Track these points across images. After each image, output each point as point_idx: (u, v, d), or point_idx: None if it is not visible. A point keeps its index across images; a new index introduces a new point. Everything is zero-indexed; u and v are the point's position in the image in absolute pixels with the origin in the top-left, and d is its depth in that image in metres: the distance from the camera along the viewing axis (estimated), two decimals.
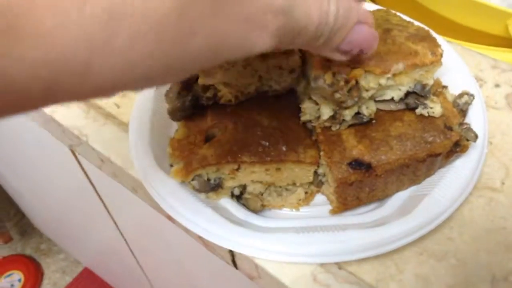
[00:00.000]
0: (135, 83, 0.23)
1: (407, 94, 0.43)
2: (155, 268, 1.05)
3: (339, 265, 0.41)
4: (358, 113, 0.43)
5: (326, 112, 0.42)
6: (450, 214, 0.42)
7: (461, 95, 0.46)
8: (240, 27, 0.24)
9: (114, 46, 0.20)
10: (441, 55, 0.42)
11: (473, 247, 0.42)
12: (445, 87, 0.46)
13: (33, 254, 1.74)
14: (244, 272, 0.44)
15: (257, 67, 0.44)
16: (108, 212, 0.91)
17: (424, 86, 0.43)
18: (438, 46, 0.42)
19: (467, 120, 0.46)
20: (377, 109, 0.44)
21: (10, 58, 0.19)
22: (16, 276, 1.63)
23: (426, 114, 0.43)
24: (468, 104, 0.46)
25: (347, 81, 0.41)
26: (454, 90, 0.48)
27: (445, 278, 0.40)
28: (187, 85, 0.46)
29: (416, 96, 0.43)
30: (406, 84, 0.42)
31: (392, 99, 0.44)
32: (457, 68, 0.50)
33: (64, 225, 1.36)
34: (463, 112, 0.46)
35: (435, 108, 0.43)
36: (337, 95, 0.41)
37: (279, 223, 0.43)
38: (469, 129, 0.43)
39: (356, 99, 0.41)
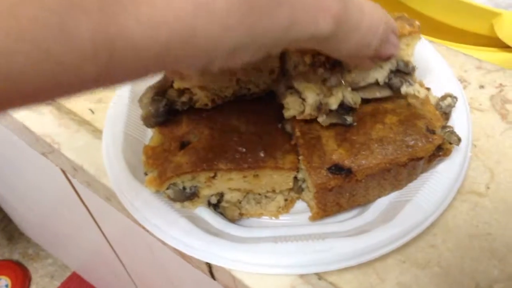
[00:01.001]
0: (225, 53, 0.25)
1: (391, 76, 0.42)
2: (141, 273, 1.04)
3: (319, 276, 0.39)
4: (343, 107, 0.42)
5: (311, 97, 0.40)
6: (433, 221, 0.41)
7: (444, 97, 0.45)
8: (311, 4, 0.27)
9: (215, 11, 0.23)
10: (419, 27, 0.41)
11: (457, 254, 0.41)
12: (428, 89, 0.45)
13: (20, 259, 1.72)
14: (221, 283, 0.43)
15: (235, 69, 0.43)
16: (93, 217, 0.89)
17: (406, 63, 0.41)
18: (414, 20, 0.42)
19: (450, 122, 0.45)
20: (361, 104, 0.42)
21: (129, 15, 0.20)
22: (4, 282, 1.61)
23: (412, 92, 0.42)
24: (451, 106, 0.45)
25: (328, 58, 0.39)
26: (437, 92, 0.47)
27: (428, 286, 0.39)
28: (161, 90, 0.45)
29: (401, 74, 0.42)
30: (390, 61, 0.41)
31: (377, 82, 0.42)
32: (440, 69, 0.49)
33: (51, 230, 1.34)
34: (446, 115, 0.45)
35: (417, 86, 0.42)
36: (320, 71, 0.39)
37: (257, 232, 0.41)
38: (452, 133, 0.42)
39: (339, 76, 0.40)
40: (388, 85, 0.42)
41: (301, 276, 0.39)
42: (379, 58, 0.37)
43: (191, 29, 0.22)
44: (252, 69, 0.43)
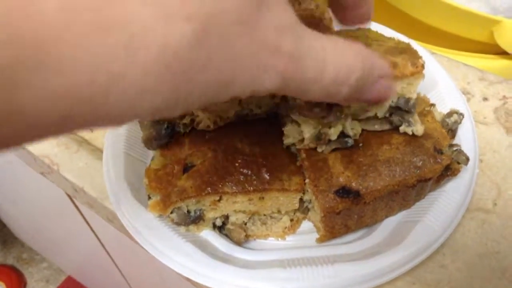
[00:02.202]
0: (145, 114, 0.23)
1: (392, 112, 0.41)
2: (137, 277, 1.03)
3: None
4: (343, 135, 0.41)
5: (308, 130, 0.40)
6: (443, 241, 0.40)
7: (450, 114, 0.44)
8: (250, 62, 0.24)
9: (131, 76, 0.21)
10: (422, 66, 0.40)
11: (466, 274, 0.40)
12: (433, 105, 0.45)
13: (15, 264, 1.71)
14: None
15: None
16: (88, 224, 0.88)
17: (407, 100, 0.41)
18: (419, 57, 0.40)
19: (456, 140, 0.45)
20: (363, 130, 0.42)
21: (29, 88, 0.19)
22: None
23: (410, 133, 0.41)
24: (457, 123, 0.44)
25: None
26: (442, 107, 0.46)
27: None
28: None
29: (401, 112, 0.41)
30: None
31: (376, 116, 0.42)
32: (444, 83, 0.48)
33: (46, 234, 1.33)
34: (452, 132, 0.44)
35: (417, 125, 0.41)
36: (316, 110, 0.39)
37: (265, 255, 0.41)
38: (460, 152, 0.41)
39: (338, 114, 0.39)
40: (388, 120, 0.42)
41: None
42: (362, 101, 0.33)
43: (102, 97, 0.20)
44: None
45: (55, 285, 1.66)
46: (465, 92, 0.52)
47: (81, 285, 1.64)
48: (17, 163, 0.83)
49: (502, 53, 0.64)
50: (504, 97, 0.51)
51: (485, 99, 0.51)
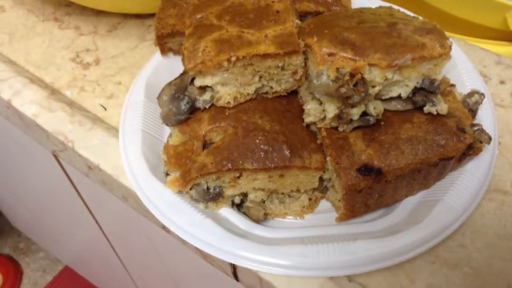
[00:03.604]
0: None
1: (415, 91, 0.41)
2: (139, 267, 1.02)
3: (349, 278, 0.39)
4: (365, 114, 0.41)
5: (331, 110, 0.40)
6: (463, 220, 0.40)
7: (471, 94, 0.44)
8: None
9: None
10: (450, 48, 0.40)
11: (486, 254, 0.40)
12: (453, 85, 0.44)
13: (11, 254, 1.69)
14: (245, 284, 0.42)
15: (258, 67, 0.41)
16: (87, 207, 0.87)
17: (432, 81, 0.40)
18: (447, 38, 0.40)
19: (476, 120, 0.44)
20: (385, 110, 0.42)
21: None
22: None
23: (435, 112, 0.41)
24: (478, 103, 0.44)
25: (352, 75, 0.38)
26: (461, 88, 0.46)
27: (459, 287, 0.38)
28: (182, 88, 0.43)
29: (424, 93, 0.41)
30: (413, 79, 0.40)
31: (399, 96, 0.41)
32: (463, 65, 0.48)
33: (43, 223, 1.32)
34: (473, 112, 0.44)
35: (441, 105, 0.40)
36: (343, 90, 0.39)
37: (284, 233, 0.40)
38: (483, 131, 0.41)
39: (362, 94, 0.39)
40: (411, 100, 0.41)
41: (331, 278, 0.39)
42: None
43: None
44: (275, 67, 0.41)
45: (51, 275, 1.65)
46: (482, 75, 0.52)
47: (78, 274, 1.63)
48: (17, 149, 0.83)
49: None
50: None
51: (502, 82, 0.51)
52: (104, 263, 1.23)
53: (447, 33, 0.63)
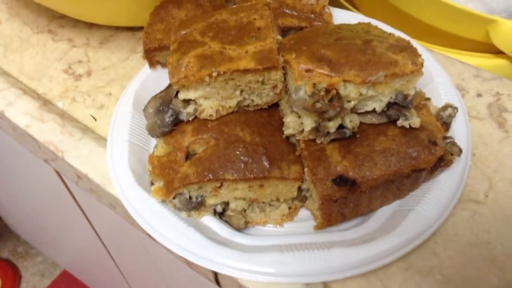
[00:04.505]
0: None
1: (389, 105, 0.43)
2: (133, 270, 1.04)
3: (325, 284, 0.40)
4: (341, 127, 0.43)
5: (308, 123, 0.42)
6: (435, 229, 0.42)
7: (444, 108, 0.46)
8: None
9: None
10: (422, 65, 0.41)
11: (458, 262, 0.42)
12: (428, 99, 0.46)
13: (10, 258, 1.71)
14: None
15: (239, 81, 0.43)
16: (84, 213, 0.89)
17: (405, 96, 0.42)
18: (419, 56, 0.42)
19: (450, 132, 0.46)
20: (360, 123, 0.43)
21: None
22: None
23: (407, 126, 0.42)
24: (452, 117, 0.46)
25: (327, 91, 0.40)
26: (437, 101, 0.48)
27: None
28: (166, 100, 0.45)
29: (398, 107, 0.43)
30: (387, 94, 0.42)
31: (374, 110, 0.43)
32: (440, 79, 0.50)
33: (41, 227, 1.33)
34: (447, 125, 0.46)
35: (414, 119, 0.42)
36: (318, 105, 0.40)
37: (264, 241, 0.42)
38: (454, 144, 0.42)
39: (338, 109, 0.41)
40: (386, 114, 0.43)
41: (307, 284, 0.40)
42: None
43: None
44: (255, 81, 0.43)
45: (50, 279, 1.66)
46: (459, 88, 0.53)
47: (76, 279, 1.64)
48: (14, 154, 0.84)
49: (498, 52, 0.65)
50: (498, 93, 0.53)
51: (479, 95, 0.53)
52: (100, 267, 1.24)
53: (428, 45, 0.64)
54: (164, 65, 0.54)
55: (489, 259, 0.42)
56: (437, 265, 0.42)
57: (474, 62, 0.64)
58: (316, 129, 0.43)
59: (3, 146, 0.88)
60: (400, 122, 0.43)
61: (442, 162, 0.43)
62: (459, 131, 0.46)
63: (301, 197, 0.45)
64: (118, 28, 0.64)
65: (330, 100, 0.41)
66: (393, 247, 0.40)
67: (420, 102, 0.45)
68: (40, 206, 1.13)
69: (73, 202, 0.85)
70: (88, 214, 0.89)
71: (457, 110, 0.46)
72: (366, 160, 0.42)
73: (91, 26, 0.65)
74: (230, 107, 0.45)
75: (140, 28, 0.63)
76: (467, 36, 0.66)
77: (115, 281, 1.23)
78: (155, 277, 0.91)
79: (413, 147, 0.42)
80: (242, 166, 0.42)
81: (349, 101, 0.42)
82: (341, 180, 0.41)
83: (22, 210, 1.30)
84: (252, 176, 0.42)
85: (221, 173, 0.42)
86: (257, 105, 0.46)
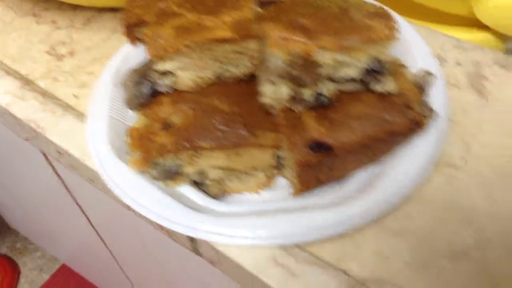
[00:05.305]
0: None
1: (365, 72, 0.43)
2: (131, 262, 1.04)
3: (300, 247, 0.41)
4: (318, 95, 0.43)
5: (285, 91, 0.42)
6: (409, 193, 0.42)
7: (421, 74, 0.46)
8: None
9: None
10: (397, 30, 0.42)
11: (433, 224, 0.42)
12: (404, 66, 0.46)
13: (9, 253, 1.71)
14: (206, 258, 0.44)
15: (216, 52, 0.43)
16: (80, 207, 0.89)
17: (381, 62, 0.42)
18: (393, 21, 0.42)
19: (427, 99, 0.46)
20: (337, 90, 0.43)
21: None
22: None
23: (383, 91, 0.43)
24: (428, 83, 0.46)
25: (303, 58, 0.40)
26: (415, 69, 0.48)
27: (404, 255, 0.40)
28: (145, 73, 0.45)
29: (374, 73, 0.43)
30: (362, 60, 0.42)
31: (350, 77, 0.43)
32: (418, 48, 0.50)
33: (39, 222, 1.34)
34: (423, 91, 0.46)
35: (390, 84, 0.42)
36: (295, 72, 0.41)
37: (240, 207, 0.42)
38: (428, 108, 0.43)
39: (314, 76, 0.41)
40: (362, 81, 0.43)
41: (283, 247, 0.40)
42: None
43: None
44: (232, 52, 0.43)
45: (49, 273, 1.67)
46: (439, 58, 0.53)
47: (76, 273, 1.65)
48: (9, 149, 0.85)
49: (481, 26, 0.65)
50: (478, 62, 0.53)
51: (458, 64, 0.53)
52: (99, 260, 1.25)
53: (410, 20, 0.64)
54: (143, 41, 0.54)
55: (465, 222, 0.42)
56: (412, 228, 0.42)
57: (457, 36, 0.64)
58: (293, 97, 0.43)
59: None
60: (376, 88, 0.43)
61: (417, 126, 0.43)
62: (435, 97, 0.46)
63: (278, 165, 0.45)
64: (101, 10, 0.64)
65: (306, 68, 0.41)
66: (368, 210, 0.41)
67: (397, 69, 0.46)
68: (37, 201, 1.14)
69: (69, 195, 0.86)
70: (83, 206, 0.89)
71: (433, 76, 0.46)
72: (342, 125, 0.42)
73: (75, 8, 0.65)
74: (208, 78, 0.45)
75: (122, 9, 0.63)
76: (451, 11, 0.66)
77: (113, 273, 1.24)
78: (154, 268, 0.92)
79: (388, 112, 0.42)
80: (219, 135, 0.42)
81: (325, 68, 0.42)
82: (317, 146, 0.41)
83: (20, 206, 1.31)
84: (228, 143, 0.42)
85: (197, 141, 0.42)
86: (235, 76, 0.46)
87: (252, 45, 0.43)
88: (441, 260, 0.40)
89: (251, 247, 0.40)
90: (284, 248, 0.40)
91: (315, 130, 0.42)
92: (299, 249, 0.40)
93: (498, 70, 0.52)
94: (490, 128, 0.48)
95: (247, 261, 0.40)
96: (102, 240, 1.01)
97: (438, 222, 0.42)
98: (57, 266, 1.67)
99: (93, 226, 0.96)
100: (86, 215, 0.92)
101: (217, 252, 0.41)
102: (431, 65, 0.49)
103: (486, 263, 0.40)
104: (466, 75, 0.52)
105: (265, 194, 0.45)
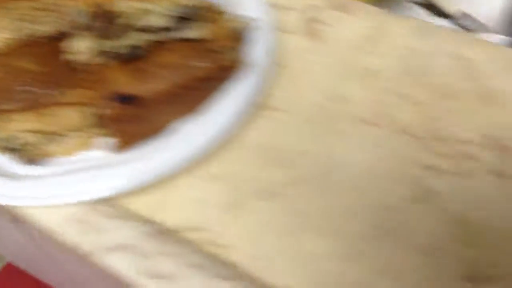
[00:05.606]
0: None
1: (173, 20, 0.42)
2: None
3: (108, 202, 0.39)
4: (131, 47, 0.42)
5: (89, 46, 0.41)
6: (224, 137, 0.42)
7: (240, 19, 0.45)
8: None
9: None
10: None
11: (254, 167, 0.42)
12: (222, 12, 0.45)
13: None
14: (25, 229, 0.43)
15: (15, 9, 0.42)
16: None
17: (188, 8, 0.41)
18: None
19: (248, 44, 0.46)
20: (145, 40, 0.42)
21: None
22: None
23: (193, 37, 0.42)
24: (248, 28, 0.45)
25: (103, 10, 0.39)
26: (243, 16, 0.47)
27: (220, 200, 0.40)
28: None
29: (184, 21, 0.42)
30: (166, 7, 0.41)
31: (162, 26, 0.42)
32: None
33: None
34: (242, 36, 0.45)
35: (200, 31, 0.42)
36: (97, 24, 0.40)
37: (50, 169, 0.41)
38: (238, 52, 0.42)
39: (116, 27, 0.40)
40: (170, 28, 0.42)
41: (90, 204, 0.39)
42: None
43: None
44: (32, 8, 0.42)
45: None
46: (272, 4, 0.52)
47: (21, 271, 1.61)
48: None
49: None
50: (309, 5, 0.52)
51: (293, 8, 0.52)
52: (44, 256, 1.22)
53: None
54: None
55: (285, 163, 0.42)
56: (231, 173, 0.41)
57: None
58: (100, 51, 0.42)
59: None
60: (185, 35, 0.42)
61: (228, 71, 0.43)
62: (261, 43, 0.46)
63: (92, 124, 0.44)
64: None
65: (109, 19, 0.40)
66: (182, 156, 0.40)
67: (213, 16, 0.45)
68: None
69: None
70: None
71: (253, 21, 0.46)
72: (150, 75, 0.41)
73: None
74: (16, 39, 0.44)
75: None
76: None
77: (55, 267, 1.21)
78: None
79: (196, 59, 0.42)
80: (25, 96, 0.41)
81: (127, 18, 0.41)
82: (123, 98, 0.40)
83: None
84: (31, 104, 0.41)
85: (1, 105, 0.41)
86: (47, 35, 0.44)
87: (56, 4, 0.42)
88: (255, 201, 0.40)
89: (54, 207, 0.39)
90: (92, 205, 0.39)
91: (122, 82, 0.41)
92: (107, 205, 0.39)
93: (333, 13, 0.52)
94: (320, 71, 0.48)
95: (51, 222, 0.38)
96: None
97: (257, 164, 0.42)
98: (2, 264, 1.64)
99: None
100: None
101: (17, 213, 0.40)
102: (259, 11, 0.48)
103: (297, 201, 0.40)
104: (301, 20, 0.51)
105: (81, 156, 0.44)
